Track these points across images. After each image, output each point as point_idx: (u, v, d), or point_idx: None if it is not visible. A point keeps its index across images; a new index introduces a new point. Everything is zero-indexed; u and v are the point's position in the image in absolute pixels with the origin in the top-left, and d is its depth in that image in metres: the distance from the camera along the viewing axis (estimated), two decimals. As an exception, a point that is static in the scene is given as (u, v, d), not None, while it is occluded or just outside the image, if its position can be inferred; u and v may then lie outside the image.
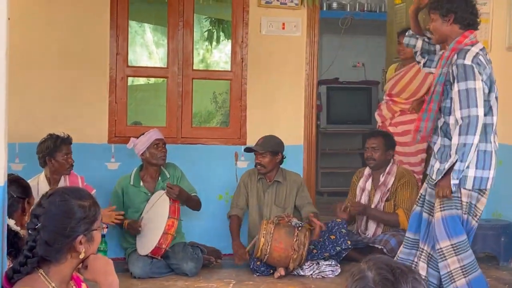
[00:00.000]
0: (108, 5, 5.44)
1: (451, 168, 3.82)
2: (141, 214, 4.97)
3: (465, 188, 3.89)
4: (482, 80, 3.83)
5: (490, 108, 3.94)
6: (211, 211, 5.52)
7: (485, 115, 3.87)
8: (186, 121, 5.64)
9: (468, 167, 3.85)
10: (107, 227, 2.39)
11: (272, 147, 5.18)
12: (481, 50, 3.92)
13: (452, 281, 3.87)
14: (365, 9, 8.73)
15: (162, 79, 5.78)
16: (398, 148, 5.98)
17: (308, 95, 5.81)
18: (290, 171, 5.33)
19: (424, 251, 4.08)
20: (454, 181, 3.82)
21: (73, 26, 5.40)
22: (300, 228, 4.86)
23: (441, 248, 3.90)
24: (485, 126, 3.90)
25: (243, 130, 5.69)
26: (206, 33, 9.55)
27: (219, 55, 10.08)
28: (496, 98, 3.98)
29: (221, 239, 5.45)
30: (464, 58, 3.84)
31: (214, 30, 9.49)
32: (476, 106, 3.79)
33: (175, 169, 5.16)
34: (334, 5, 8.68)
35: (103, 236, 2.48)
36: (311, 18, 5.76)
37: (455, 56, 3.89)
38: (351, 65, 9.30)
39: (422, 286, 1.69)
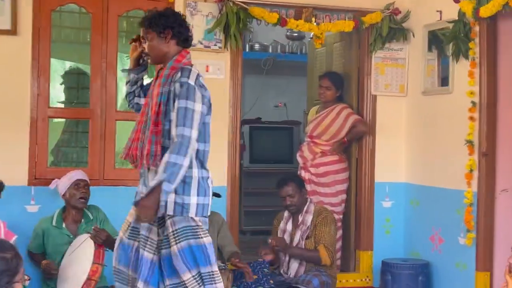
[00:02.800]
0: (30, 45, 5.37)
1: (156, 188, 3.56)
2: (62, 257, 4.86)
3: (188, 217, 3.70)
4: (203, 103, 3.69)
5: (206, 134, 3.80)
6: (134, 254, 5.45)
7: (204, 141, 3.77)
8: (109, 163, 5.59)
9: (189, 194, 3.69)
10: (29, 279, 2.36)
11: None
12: (199, 72, 3.81)
13: None
14: (287, 51, 8.92)
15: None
16: (319, 189, 6.11)
17: (232, 136, 5.86)
18: (212, 211, 5.32)
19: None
20: (162, 203, 3.58)
21: (-7, 66, 5.32)
22: (223, 270, 4.85)
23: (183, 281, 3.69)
24: (203, 152, 3.77)
25: (167, 171, 5.68)
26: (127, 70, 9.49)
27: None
28: (208, 124, 3.81)
29: (144, 282, 5.40)
30: (188, 77, 3.67)
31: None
32: (191, 127, 3.61)
33: (98, 211, 5.09)
34: (256, 46, 8.83)
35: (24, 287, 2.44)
36: (234, 61, 5.84)
37: (178, 74, 3.71)
38: (273, 105, 9.44)
39: None
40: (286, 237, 5.42)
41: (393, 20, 6.08)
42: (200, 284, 3.70)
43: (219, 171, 5.80)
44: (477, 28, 5.24)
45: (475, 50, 5.25)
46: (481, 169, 5.20)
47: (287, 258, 5.39)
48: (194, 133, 3.62)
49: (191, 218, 3.71)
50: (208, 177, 3.82)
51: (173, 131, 3.62)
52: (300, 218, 5.35)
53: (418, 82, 5.99)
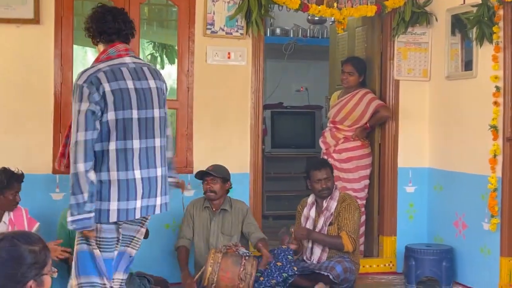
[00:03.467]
0: (52, 34, 5.39)
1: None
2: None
3: (109, 223, 3.55)
4: (91, 101, 3.45)
5: (118, 131, 3.52)
6: (159, 241, 5.50)
7: (119, 139, 3.51)
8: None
9: (108, 200, 3.51)
10: (57, 271, 2.38)
11: (223, 174, 5.23)
12: (101, 68, 3.53)
13: None
14: (308, 35, 8.87)
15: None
16: (342, 175, 6.10)
17: (254, 122, 5.86)
18: (236, 199, 5.36)
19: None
20: (71, 218, 3.46)
21: (16, 55, 5.35)
22: (247, 257, 4.89)
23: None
24: (123, 151, 3.52)
25: (190, 159, 5.71)
26: (149, 57, 9.53)
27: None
28: (120, 120, 3.52)
29: (169, 268, 5.44)
30: (78, 78, 3.52)
31: (157, 55, 9.47)
32: (79, 131, 3.44)
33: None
34: (278, 31, 8.79)
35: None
36: (256, 47, 5.82)
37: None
38: (294, 89, 9.42)
39: None
40: (309, 223, 5.44)
41: (416, 4, 6.03)
42: None
43: (241, 157, 5.82)
44: (501, 12, 5.17)
45: (499, 34, 5.18)
46: (506, 154, 5.15)
47: (309, 245, 5.41)
48: (81, 136, 3.43)
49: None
50: (133, 179, 3.55)
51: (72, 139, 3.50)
52: (325, 204, 5.36)
53: (441, 67, 5.93)
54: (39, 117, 5.39)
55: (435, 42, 6.07)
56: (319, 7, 5.86)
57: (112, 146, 3.52)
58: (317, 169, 5.37)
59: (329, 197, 5.36)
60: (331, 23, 7.65)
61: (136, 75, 3.62)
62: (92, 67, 3.57)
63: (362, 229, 6.06)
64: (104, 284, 3.62)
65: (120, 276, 3.79)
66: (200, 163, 5.62)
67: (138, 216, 3.63)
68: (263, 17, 5.75)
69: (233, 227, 5.25)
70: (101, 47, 3.70)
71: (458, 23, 5.73)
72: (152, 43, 9.45)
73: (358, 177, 6.12)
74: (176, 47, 5.85)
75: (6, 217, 4.66)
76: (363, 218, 6.04)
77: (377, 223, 6.26)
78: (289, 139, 8.70)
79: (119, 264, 3.76)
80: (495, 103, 5.21)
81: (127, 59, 3.65)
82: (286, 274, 5.03)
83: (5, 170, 4.66)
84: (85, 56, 9.41)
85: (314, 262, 5.35)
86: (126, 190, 3.54)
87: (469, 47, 5.60)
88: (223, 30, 5.72)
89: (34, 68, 5.38)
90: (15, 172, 4.67)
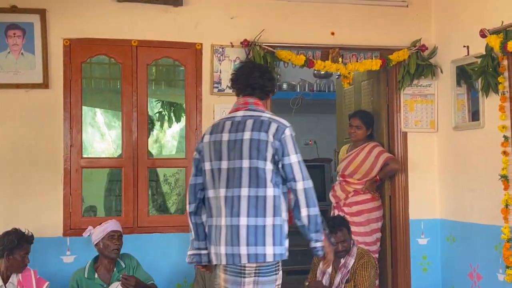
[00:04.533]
0: (62, 97, 5.47)
1: None
2: (98, 307, 4.89)
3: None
4: (196, 151, 3.89)
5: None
6: (170, 300, 5.47)
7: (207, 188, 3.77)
8: (143, 210, 5.62)
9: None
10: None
11: None
12: (223, 119, 3.86)
13: None
14: (315, 89, 8.94)
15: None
16: (353, 228, 6.02)
17: (263, 178, 5.85)
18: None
19: None
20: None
21: (27, 118, 5.42)
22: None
23: None
24: (207, 199, 3.77)
25: (198, 217, 5.69)
26: (157, 115, 9.61)
27: (172, 137, 10.13)
28: (207, 171, 3.77)
29: (181, 329, 5.41)
30: None
31: (165, 113, 9.56)
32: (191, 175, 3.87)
33: (130, 259, 5.11)
34: (285, 86, 8.87)
35: None
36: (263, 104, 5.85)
37: None
38: (303, 143, 9.44)
39: None
40: (326, 279, 5.36)
41: (420, 57, 6.09)
42: None
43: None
44: (505, 62, 5.20)
45: (505, 84, 5.20)
46: (517, 204, 5.12)
47: (326, 301, 5.32)
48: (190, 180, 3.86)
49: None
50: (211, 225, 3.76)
51: None
52: (342, 261, 5.27)
53: (448, 118, 5.95)
54: (49, 180, 5.43)
55: (441, 93, 6.11)
56: (324, 62, 5.93)
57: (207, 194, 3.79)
58: (334, 231, 5.20)
59: (346, 254, 5.27)
60: (337, 76, 7.71)
61: (235, 128, 3.76)
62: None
63: (376, 282, 5.99)
64: None
65: None
66: (210, 221, 5.62)
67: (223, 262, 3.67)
68: (269, 74, 5.80)
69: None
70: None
71: (463, 74, 5.77)
72: (160, 102, 9.55)
73: (370, 230, 6.08)
74: (184, 105, 5.90)
75: (14, 278, 4.66)
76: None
77: (391, 276, 6.19)
78: (300, 192, 8.65)
79: None
80: (504, 152, 5.20)
81: (239, 113, 3.83)
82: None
83: (16, 231, 4.72)
84: (94, 117, 9.52)
85: (330, 319, 5.26)
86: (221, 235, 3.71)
87: (475, 97, 5.63)
88: (230, 88, 5.76)
89: (44, 132, 5.44)
90: (25, 233, 4.70)
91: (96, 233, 5.00)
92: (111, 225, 5.03)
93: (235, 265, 3.65)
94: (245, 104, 3.87)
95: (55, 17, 5.47)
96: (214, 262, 3.74)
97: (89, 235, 5.05)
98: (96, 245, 5.00)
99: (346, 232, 5.26)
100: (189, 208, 3.81)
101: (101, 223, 5.07)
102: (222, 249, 3.66)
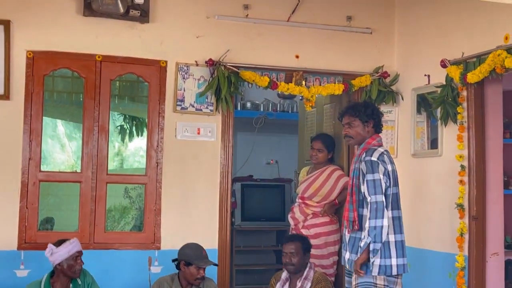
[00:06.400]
0: (22, 109, 5.42)
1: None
2: (50, 324, 4.80)
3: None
4: (384, 175, 4.48)
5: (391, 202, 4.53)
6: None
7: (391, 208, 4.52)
8: (99, 226, 5.58)
9: (377, 252, 4.40)
10: None
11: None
12: (384, 151, 4.59)
13: None
14: (278, 109, 8.99)
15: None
16: (311, 251, 6.07)
17: (223, 197, 5.87)
18: (205, 277, 5.30)
19: None
20: (372, 260, 4.41)
21: (-15, 130, 5.35)
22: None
23: None
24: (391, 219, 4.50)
25: (158, 235, 5.67)
26: (118, 128, 9.56)
27: (133, 151, 10.08)
28: (395, 195, 4.55)
29: None
30: (371, 156, 4.50)
31: (127, 127, 9.52)
32: (376, 194, 4.43)
33: (85, 275, 5.02)
34: (248, 105, 8.90)
35: None
36: (225, 123, 5.89)
37: (364, 154, 4.55)
38: (265, 162, 9.47)
39: None
40: (282, 301, 5.37)
41: (382, 83, 6.17)
42: None
43: (210, 231, 5.81)
44: (464, 93, 5.31)
45: (463, 114, 5.31)
46: (472, 233, 5.21)
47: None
48: (380, 198, 4.40)
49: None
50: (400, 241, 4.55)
51: (367, 200, 4.43)
52: (299, 284, 5.29)
53: (407, 144, 6.04)
54: (5, 193, 5.36)
55: (401, 120, 6.19)
56: (288, 85, 5.97)
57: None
58: (285, 242, 5.37)
59: (303, 277, 5.30)
60: (300, 98, 7.76)
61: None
62: (375, 149, 4.58)
63: (332, 306, 6.01)
64: None
65: None
66: (168, 239, 5.61)
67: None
68: (232, 94, 5.83)
69: (202, 306, 5.16)
70: (369, 132, 4.69)
71: (424, 102, 5.87)
72: (123, 115, 9.51)
73: (327, 253, 6.12)
74: (146, 120, 5.89)
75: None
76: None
77: (346, 300, 6.21)
78: (259, 211, 8.67)
79: None
80: (461, 181, 5.29)
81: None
82: None
83: None
84: (55, 128, 9.43)
85: None
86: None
87: (434, 125, 5.72)
88: (193, 106, 5.79)
89: (2, 144, 5.38)
90: None
91: (60, 253, 4.84)
92: (76, 245, 4.91)
93: None
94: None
95: (20, 29, 5.42)
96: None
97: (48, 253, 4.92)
98: (58, 264, 4.88)
99: (300, 248, 5.30)
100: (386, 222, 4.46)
101: (57, 239, 4.94)
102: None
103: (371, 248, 4.39)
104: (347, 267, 4.67)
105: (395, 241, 4.53)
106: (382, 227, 4.37)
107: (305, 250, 5.37)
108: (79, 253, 4.90)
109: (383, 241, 4.40)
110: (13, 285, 5.20)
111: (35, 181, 5.44)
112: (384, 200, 4.40)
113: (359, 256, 4.46)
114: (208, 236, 5.78)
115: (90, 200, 5.57)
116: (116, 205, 8.82)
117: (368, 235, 4.39)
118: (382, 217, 4.38)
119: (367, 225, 4.41)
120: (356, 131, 4.70)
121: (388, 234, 4.45)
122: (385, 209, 4.39)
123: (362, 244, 4.44)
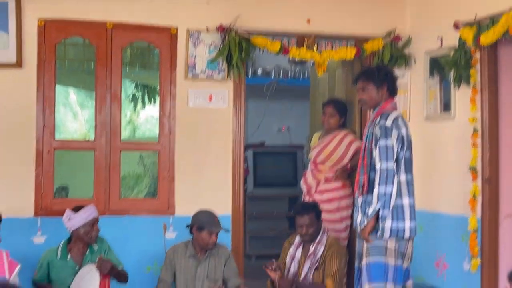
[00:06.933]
0: (35, 77, 5.44)
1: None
2: (68, 288, 4.87)
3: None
4: (397, 140, 4.52)
5: (403, 166, 4.57)
6: (140, 283, 5.48)
7: (405, 171, 4.57)
8: (114, 193, 5.62)
9: (385, 218, 4.46)
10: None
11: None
12: (398, 115, 4.63)
13: None
14: (289, 75, 8.97)
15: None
16: (323, 215, 6.08)
17: (235, 164, 5.89)
18: (219, 244, 5.34)
19: None
20: (381, 225, 4.48)
21: (-1, 98, 5.38)
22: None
23: None
24: (405, 183, 4.56)
25: (172, 201, 5.72)
26: (130, 97, 9.59)
27: (145, 119, 10.12)
28: (408, 159, 4.60)
29: (150, 311, 5.43)
30: (385, 120, 4.54)
31: (138, 95, 9.54)
32: (387, 160, 4.47)
33: (102, 242, 5.09)
34: (259, 71, 8.88)
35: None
36: (237, 89, 5.89)
37: (378, 118, 4.59)
38: (276, 129, 9.48)
39: None
40: (294, 264, 5.41)
41: (394, 47, 6.13)
42: None
43: (223, 198, 5.84)
44: (478, 55, 5.27)
45: (476, 76, 5.28)
46: (485, 195, 5.21)
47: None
48: (391, 165, 4.44)
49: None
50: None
51: (377, 166, 4.45)
52: (312, 249, 5.32)
53: (420, 108, 6.02)
54: (21, 161, 5.40)
55: (413, 83, 6.16)
56: (299, 49, 5.95)
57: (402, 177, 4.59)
58: (298, 214, 5.36)
59: (316, 241, 5.33)
60: (312, 64, 7.74)
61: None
62: (389, 113, 4.61)
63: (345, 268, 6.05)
64: None
65: None
66: (182, 206, 5.65)
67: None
68: (244, 60, 5.81)
69: (217, 272, 5.20)
70: (383, 96, 4.71)
71: (436, 65, 5.83)
72: (134, 83, 9.52)
73: (340, 218, 6.14)
74: (158, 88, 5.89)
75: (-15, 258, 4.62)
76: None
77: (359, 263, 6.24)
78: (271, 178, 8.72)
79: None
80: (474, 144, 5.28)
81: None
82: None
83: None
84: (67, 97, 9.46)
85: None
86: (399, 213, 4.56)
87: (447, 88, 5.69)
88: (204, 73, 5.78)
89: (16, 112, 5.41)
90: None
91: (78, 219, 4.90)
92: (94, 212, 4.96)
93: None
94: None
95: (30, -3, 5.42)
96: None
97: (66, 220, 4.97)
98: (75, 230, 4.93)
99: (314, 217, 5.32)
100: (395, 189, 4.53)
101: (75, 206, 4.99)
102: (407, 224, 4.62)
103: (380, 214, 4.46)
104: (359, 229, 4.70)
105: (409, 204, 4.58)
106: (391, 193, 4.43)
107: (318, 217, 5.40)
108: (96, 220, 4.95)
109: (391, 207, 4.45)
110: (30, 251, 5.26)
111: (50, 149, 5.48)
112: (394, 167, 4.45)
113: (366, 224, 4.53)
114: (221, 202, 5.82)
115: (104, 168, 5.61)
116: (130, 173, 8.90)
117: (378, 201, 4.44)
118: (392, 184, 4.43)
119: (376, 191, 4.46)
120: (370, 95, 4.71)
121: (402, 196, 4.52)
122: (395, 175, 4.44)
123: (370, 210, 4.49)
